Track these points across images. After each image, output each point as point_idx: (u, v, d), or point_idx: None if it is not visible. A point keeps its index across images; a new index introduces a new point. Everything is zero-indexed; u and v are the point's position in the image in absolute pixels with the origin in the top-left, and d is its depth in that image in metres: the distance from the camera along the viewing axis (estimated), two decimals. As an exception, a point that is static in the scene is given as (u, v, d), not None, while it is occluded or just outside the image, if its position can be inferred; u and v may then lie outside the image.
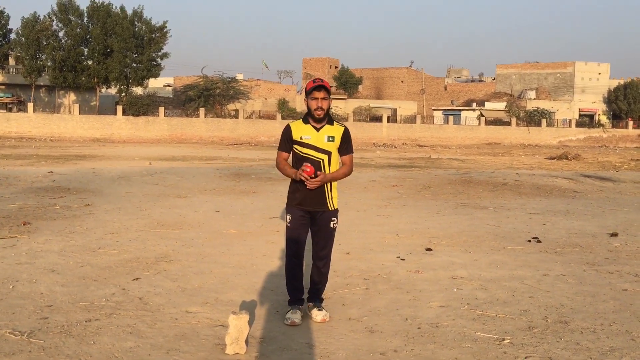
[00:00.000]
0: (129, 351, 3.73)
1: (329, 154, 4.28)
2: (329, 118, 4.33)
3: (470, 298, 5.02)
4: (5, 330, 4.01)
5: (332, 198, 4.37)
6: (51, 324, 4.17)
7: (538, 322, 4.43)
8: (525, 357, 3.75)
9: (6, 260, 6.01)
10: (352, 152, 4.42)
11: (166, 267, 5.87)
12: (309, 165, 4.18)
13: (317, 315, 4.37)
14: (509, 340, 4.03)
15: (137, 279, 5.41)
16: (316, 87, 4.18)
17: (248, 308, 4.57)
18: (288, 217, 4.40)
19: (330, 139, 4.27)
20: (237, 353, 3.71)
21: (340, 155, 4.37)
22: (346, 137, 4.34)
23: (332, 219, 4.39)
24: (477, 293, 5.18)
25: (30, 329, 4.06)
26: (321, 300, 4.54)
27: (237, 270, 5.88)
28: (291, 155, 4.40)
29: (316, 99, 4.18)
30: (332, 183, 4.36)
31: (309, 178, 4.17)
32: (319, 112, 4.20)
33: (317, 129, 4.27)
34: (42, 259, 6.08)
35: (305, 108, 4.37)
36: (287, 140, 4.32)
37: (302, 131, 4.28)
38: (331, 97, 4.33)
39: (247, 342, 3.78)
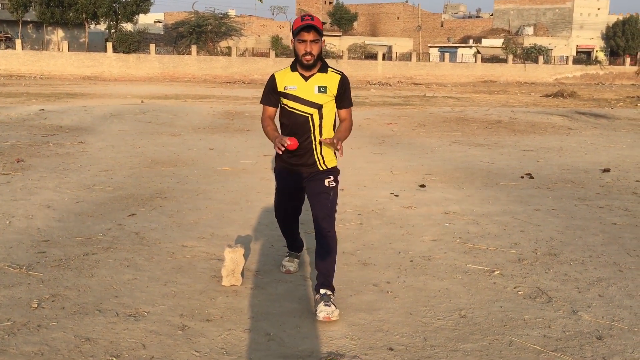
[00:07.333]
0: (127, 283, 3.81)
1: (319, 107, 3.48)
2: (322, 64, 3.50)
3: (462, 232, 5.11)
4: (3, 264, 4.07)
5: (322, 157, 3.56)
6: (49, 258, 4.23)
7: (528, 254, 4.53)
8: (514, 287, 3.85)
9: (1, 196, 6.02)
10: (352, 105, 3.62)
11: (161, 204, 5.91)
12: (293, 139, 3.43)
13: (321, 311, 3.33)
14: (498, 272, 4.13)
15: (132, 214, 5.46)
16: (304, 27, 3.33)
17: (243, 242, 4.63)
18: (275, 182, 3.82)
19: (322, 89, 3.46)
20: (233, 285, 3.79)
21: (338, 109, 3.57)
22: (343, 86, 3.52)
23: (328, 176, 3.56)
24: (469, 227, 5.26)
25: (28, 262, 4.12)
26: (331, 289, 3.50)
27: (232, 206, 5.92)
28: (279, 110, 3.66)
29: (304, 41, 3.35)
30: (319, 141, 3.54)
31: (284, 149, 3.39)
32: (308, 58, 3.38)
33: (306, 78, 3.47)
34: (37, 196, 6.10)
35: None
36: (270, 92, 3.56)
37: (287, 80, 3.50)
38: (324, 36, 3.50)
39: (242, 274, 3.86)
